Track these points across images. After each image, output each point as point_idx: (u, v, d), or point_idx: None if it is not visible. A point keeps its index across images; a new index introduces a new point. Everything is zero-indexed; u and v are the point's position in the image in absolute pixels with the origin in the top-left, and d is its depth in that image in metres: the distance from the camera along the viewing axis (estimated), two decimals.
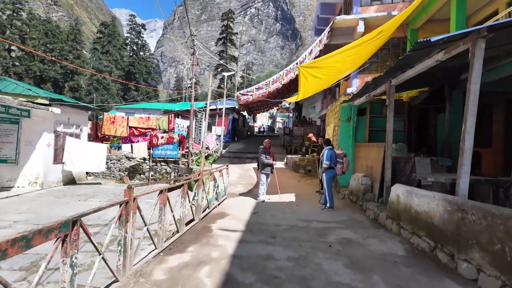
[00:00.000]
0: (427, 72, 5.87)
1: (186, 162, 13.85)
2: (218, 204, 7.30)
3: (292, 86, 15.88)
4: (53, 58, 48.93)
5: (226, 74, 18.59)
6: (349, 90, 13.01)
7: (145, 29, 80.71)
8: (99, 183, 13.43)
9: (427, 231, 3.94)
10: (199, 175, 5.66)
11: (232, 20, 65.78)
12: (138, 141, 14.79)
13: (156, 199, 4.05)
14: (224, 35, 61.46)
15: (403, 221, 4.65)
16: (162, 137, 13.70)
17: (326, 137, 12.33)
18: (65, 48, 64.59)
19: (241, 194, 9.03)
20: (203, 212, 6.20)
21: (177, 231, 4.75)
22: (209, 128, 20.52)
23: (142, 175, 14.32)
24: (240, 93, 13.29)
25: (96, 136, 17.34)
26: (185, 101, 34.27)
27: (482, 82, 7.61)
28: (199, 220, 5.67)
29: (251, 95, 13.28)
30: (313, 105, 28.10)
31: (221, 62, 40.66)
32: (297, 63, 13.48)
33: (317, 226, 5.47)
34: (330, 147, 7.09)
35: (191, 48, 14.05)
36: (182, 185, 4.74)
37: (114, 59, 72.95)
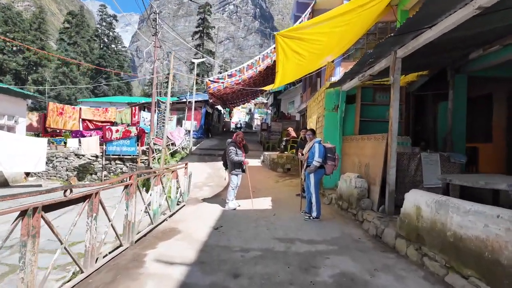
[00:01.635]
0: (436, 45, 4.41)
1: (146, 160, 11.88)
2: (171, 215, 5.51)
3: (269, 75, 14.27)
4: (18, 43, 44.43)
5: (196, 60, 16.62)
6: (332, 79, 11.57)
7: (116, 20, 76.55)
8: (39, 186, 11.17)
9: (483, 272, 2.41)
10: (130, 178, 3.85)
11: (209, 13, 63.92)
12: (90, 135, 12.59)
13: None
14: (201, 28, 59.41)
15: (430, 247, 3.11)
16: (117, 131, 11.62)
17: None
18: (27, 37, 59.97)
19: (205, 200, 7.26)
20: (142, 230, 4.40)
21: (80, 271, 2.94)
22: (180, 123, 18.52)
23: (93, 175, 12.17)
24: (210, 80, 11.49)
25: (44, 130, 14.88)
26: (160, 96, 31.80)
27: (480, 67, 6.39)
28: (130, 244, 3.87)
29: (222, 82, 11.51)
30: (292, 100, 26.76)
31: (198, 51, 38.42)
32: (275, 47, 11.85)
33: (302, 251, 3.84)
34: (319, 139, 5.49)
35: (153, 28, 12.04)
36: (88, 196, 2.94)
37: (82, 51, 68.65)
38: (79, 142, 11.71)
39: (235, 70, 11.69)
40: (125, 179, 3.83)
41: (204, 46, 57.15)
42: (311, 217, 5.31)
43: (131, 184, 3.84)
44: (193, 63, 19.27)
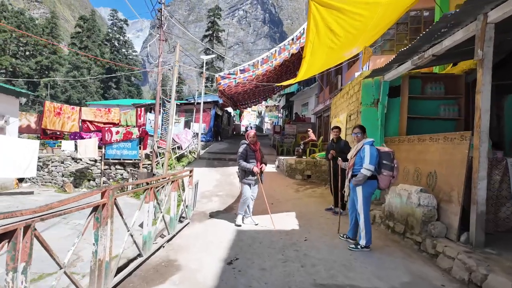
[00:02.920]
0: None
1: (150, 165, 10.65)
2: (170, 239, 4.18)
3: (286, 72, 12.92)
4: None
5: (205, 57, 15.42)
6: (356, 75, 10.16)
7: (127, 25, 77.08)
8: (31, 193, 10.04)
9: None
10: (103, 194, 2.54)
11: (218, 16, 63.67)
12: (90, 137, 11.44)
13: None
14: (211, 32, 59.01)
15: None
16: (117, 132, 10.43)
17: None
18: (40, 42, 60.85)
19: (214, 215, 5.90)
20: (124, 269, 3.07)
21: None
22: (188, 126, 17.33)
23: (91, 182, 10.99)
24: (220, 75, 10.21)
25: (43, 132, 13.84)
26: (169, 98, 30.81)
27: None
28: None
29: (233, 78, 10.21)
30: (306, 102, 25.34)
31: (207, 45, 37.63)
32: (293, 39, 10.54)
33: None
34: (371, 140, 4.07)
35: (158, 19, 10.89)
36: (7, 235, 1.62)
37: (93, 55, 69.27)
38: (75, 145, 10.58)
39: (248, 65, 10.40)
40: (103, 194, 2.51)
41: (214, 50, 56.49)
42: (359, 246, 3.88)
43: (104, 205, 2.51)
44: (207, 69, 18.17)
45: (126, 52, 73.90)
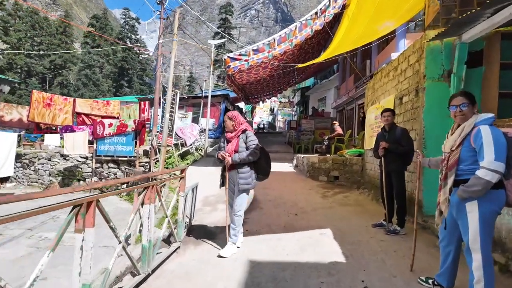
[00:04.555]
0: None
1: (147, 163, 9.13)
2: (144, 280, 2.55)
3: (308, 52, 11.16)
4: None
5: (213, 42, 13.78)
6: (393, 56, 8.30)
7: (139, 23, 77.04)
8: (11, 194, 8.62)
9: None
10: None
11: (230, 13, 62.59)
12: (83, 130, 10.01)
13: None
14: (222, 29, 57.88)
15: None
16: (110, 125, 8.92)
17: (367, 124, 7.57)
18: (53, 41, 61.44)
19: (216, 234, 4.21)
20: None
21: None
22: (196, 122, 15.79)
23: (82, 182, 9.54)
24: (229, 56, 8.55)
25: (37, 126, 12.55)
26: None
27: None
28: None
29: (245, 60, 8.54)
30: (323, 96, 23.46)
31: (219, 31, 36.00)
32: (316, 13, 8.82)
33: None
34: (490, 117, 2.24)
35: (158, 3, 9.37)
36: None
37: (105, 54, 69.63)
38: (61, 139, 9.15)
39: (263, 44, 8.69)
40: None
41: (226, 47, 55.17)
42: None
43: None
44: (218, 67, 16.71)
45: (138, 51, 73.91)
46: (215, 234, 4.16)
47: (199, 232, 4.23)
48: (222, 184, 3.56)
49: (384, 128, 4.28)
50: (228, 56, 8.58)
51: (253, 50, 8.62)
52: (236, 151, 3.35)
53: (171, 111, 10.21)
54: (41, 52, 60.75)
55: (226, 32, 56.52)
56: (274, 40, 8.67)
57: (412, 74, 4.81)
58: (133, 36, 71.95)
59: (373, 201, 6.34)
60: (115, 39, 72.36)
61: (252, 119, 31.61)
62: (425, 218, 4.23)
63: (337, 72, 18.87)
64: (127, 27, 74.57)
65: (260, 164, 3.47)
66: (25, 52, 51.23)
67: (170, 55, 8.90)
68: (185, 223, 3.78)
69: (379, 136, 4.35)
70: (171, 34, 9.05)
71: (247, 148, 3.35)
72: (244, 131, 3.41)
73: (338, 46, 7.16)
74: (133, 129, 8.85)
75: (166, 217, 3.09)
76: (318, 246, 3.64)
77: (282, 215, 5.07)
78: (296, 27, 8.69)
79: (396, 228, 4.04)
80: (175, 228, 3.41)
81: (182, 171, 3.59)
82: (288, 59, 10.20)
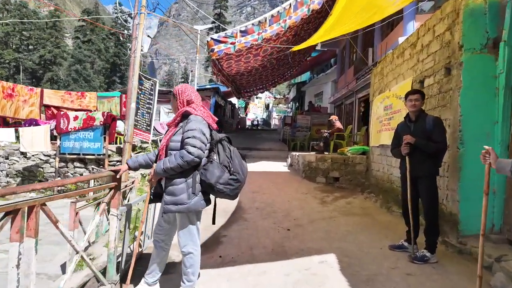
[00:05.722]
0: None
1: (119, 162, 7.92)
2: None
3: (303, 38, 9.96)
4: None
5: (199, 27, 12.56)
6: (400, 40, 7.16)
7: (131, 17, 75.24)
8: None
9: None
10: None
11: (225, 8, 61.39)
12: (47, 124, 8.75)
13: None
14: (217, 24, 56.56)
15: None
16: (75, 118, 7.68)
17: (374, 117, 6.40)
18: (43, 36, 59.79)
19: (165, 271, 3.06)
20: None
21: None
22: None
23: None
24: (212, 38, 7.34)
25: (3, 121, 11.23)
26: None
27: None
28: None
29: (231, 43, 7.34)
30: (320, 91, 22.35)
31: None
32: None
33: None
34: None
35: None
36: None
37: (97, 49, 68.01)
38: (16, 134, 7.89)
39: (253, 24, 7.49)
40: None
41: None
42: None
43: None
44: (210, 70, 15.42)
45: (131, 46, 72.27)
46: (170, 268, 2.97)
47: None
48: (152, 199, 2.31)
49: (408, 117, 3.13)
50: (211, 38, 7.38)
51: (240, 31, 7.42)
52: (167, 151, 2.13)
53: (148, 103, 9.00)
54: (30, 47, 59.21)
55: (220, 28, 55.16)
56: (265, 20, 7.49)
57: (440, 48, 3.67)
58: (125, 31, 70.39)
59: (382, 208, 5.22)
60: (108, 34, 70.91)
61: (246, 116, 30.41)
62: (462, 239, 3.10)
63: (335, 65, 17.76)
64: (119, 21, 73.08)
65: (210, 173, 2.09)
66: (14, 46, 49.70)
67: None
68: (126, 253, 2.59)
69: (400, 128, 3.19)
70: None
71: (181, 146, 2.09)
72: (186, 115, 2.19)
73: (337, 21, 6.01)
74: (101, 122, 7.61)
75: (77, 252, 1.90)
76: (318, 286, 2.49)
77: (271, 231, 3.92)
78: (290, 5, 7.50)
79: (426, 254, 2.90)
80: (98, 272, 2.21)
81: (115, 172, 2.33)
82: (282, 39, 9.02)
